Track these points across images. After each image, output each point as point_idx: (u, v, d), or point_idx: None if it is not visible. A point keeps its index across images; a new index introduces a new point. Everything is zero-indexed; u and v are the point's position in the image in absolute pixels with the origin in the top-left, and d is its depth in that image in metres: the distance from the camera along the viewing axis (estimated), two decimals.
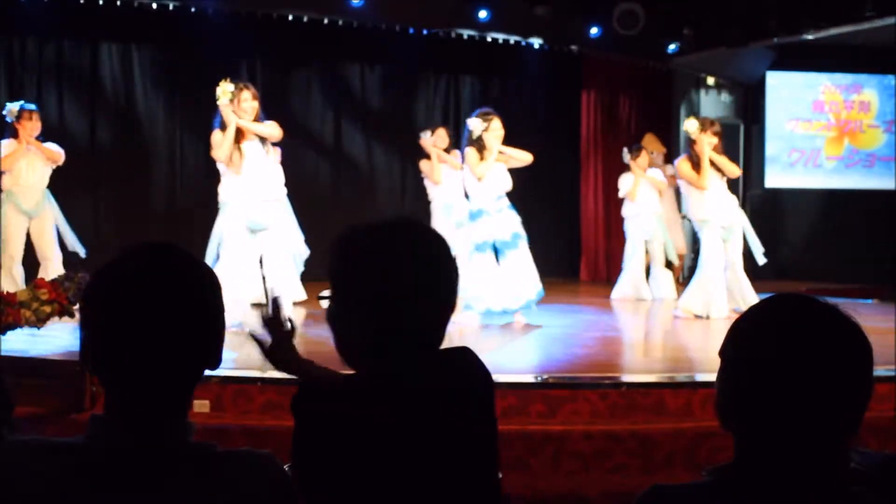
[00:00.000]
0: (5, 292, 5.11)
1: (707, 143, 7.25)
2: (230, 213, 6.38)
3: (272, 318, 2.02)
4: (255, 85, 6.78)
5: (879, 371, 4.70)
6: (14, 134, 7.09)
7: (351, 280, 1.65)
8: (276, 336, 2.02)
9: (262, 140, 6.37)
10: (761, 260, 7.60)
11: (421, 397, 1.60)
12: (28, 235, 7.24)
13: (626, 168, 9.57)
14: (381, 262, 1.63)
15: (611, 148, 11.45)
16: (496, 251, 6.94)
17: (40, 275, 6.91)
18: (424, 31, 10.54)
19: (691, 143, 7.39)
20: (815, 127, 11.84)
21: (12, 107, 7.13)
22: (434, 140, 8.78)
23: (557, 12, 10.10)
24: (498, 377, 4.93)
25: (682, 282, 9.62)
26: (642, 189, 9.26)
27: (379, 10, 9.71)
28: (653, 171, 9.46)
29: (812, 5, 9.85)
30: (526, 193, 12.35)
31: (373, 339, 1.63)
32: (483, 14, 10.05)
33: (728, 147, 7.93)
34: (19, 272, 7.04)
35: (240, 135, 6.29)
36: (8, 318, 4.19)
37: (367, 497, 1.56)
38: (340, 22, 10.14)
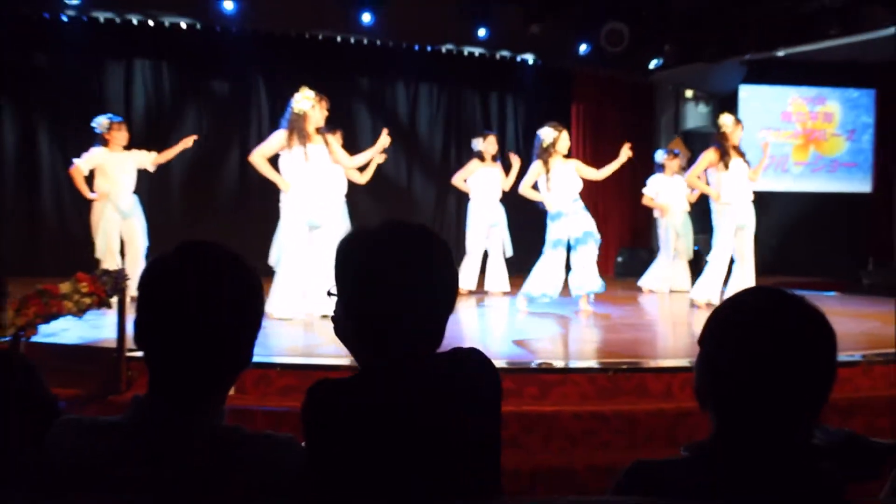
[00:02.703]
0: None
1: (738, 137, 7.63)
2: (291, 212, 6.37)
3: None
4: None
5: (841, 357, 4.70)
6: (104, 143, 7.27)
7: (350, 282, 1.57)
8: None
9: (326, 144, 6.40)
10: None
11: (424, 392, 1.53)
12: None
13: (647, 171, 9.65)
14: (378, 264, 1.55)
15: (598, 156, 11.40)
16: (569, 248, 7.28)
17: (126, 261, 7.22)
18: (428, 48, 10.53)
19: (722, 135, 7.59)
20: (784, 135, 11.81)
21: (102, 119, 7.32)
22: (485, 146, 8.71)
23: (550, 31, 10.10)
24: (497, 363, 4.95)
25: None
26: (674, 188, 9.26)
27: (387, 28, 9.70)
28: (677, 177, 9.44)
29: (781, 25, 9.84)
30: (518, 200, 12.40)
31: (374, 339, 1.56)
32: (482, 32, 10.03)
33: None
34: (119, 264, 7.17)
35: (306, 137, 6.30)
36: (52, 308, 4.19)
37: (371, 481, 1.48)
38: (352, 39, 10.13)
